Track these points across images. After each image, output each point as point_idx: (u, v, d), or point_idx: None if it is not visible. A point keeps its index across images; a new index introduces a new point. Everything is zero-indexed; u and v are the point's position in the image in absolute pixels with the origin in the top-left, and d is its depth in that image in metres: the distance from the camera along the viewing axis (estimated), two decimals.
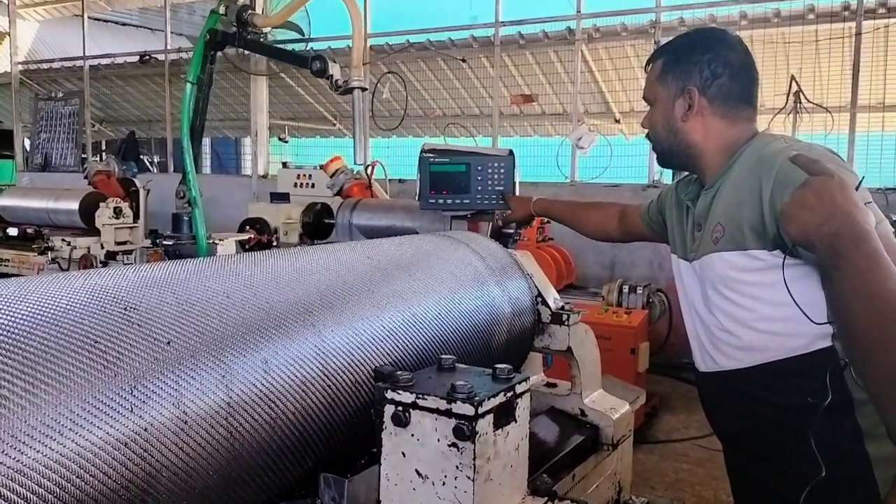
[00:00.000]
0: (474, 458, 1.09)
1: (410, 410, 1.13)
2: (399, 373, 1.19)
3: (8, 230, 9.27)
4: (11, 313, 0.87)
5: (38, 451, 0.79)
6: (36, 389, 0.81)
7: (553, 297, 2.05)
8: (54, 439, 0.81)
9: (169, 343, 0.97)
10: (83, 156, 11.78)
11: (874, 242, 1.24)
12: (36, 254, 8.07)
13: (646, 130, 1.91)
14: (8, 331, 0.84)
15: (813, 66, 7.09)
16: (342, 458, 1.27)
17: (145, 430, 0.90)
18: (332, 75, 4.47)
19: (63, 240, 7.79)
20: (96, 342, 0.90)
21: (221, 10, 4.15)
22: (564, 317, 1.97)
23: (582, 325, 2.06)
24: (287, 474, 1.15)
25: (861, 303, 1.21)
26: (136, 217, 8.12)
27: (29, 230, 8.56)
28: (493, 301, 1.70)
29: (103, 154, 13.64)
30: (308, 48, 9.35)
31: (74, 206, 8.01)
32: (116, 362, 0.90)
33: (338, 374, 1.21)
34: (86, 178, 8.57)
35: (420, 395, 1.13)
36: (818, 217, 1.29)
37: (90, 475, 0.84)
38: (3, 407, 0.78)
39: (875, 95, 7.20)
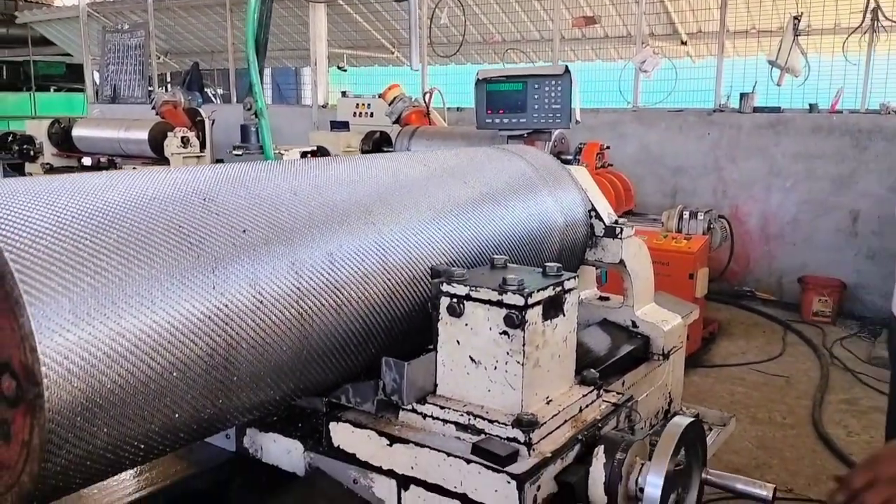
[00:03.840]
0: (524, 345, 1.17)
1: (464, 302, 1.21)
2: (454, 269, 1.26)
3: (83, 160, 9.65)
4: (104, 198, 0.97)
5: (134, 318, 0.90)
6: (130, 264, 0.91)
7: (607, 212, 2.08)
8: (148, 308, 0.91)
9: (245, 231, 1.07)
10: (149, 88, 12.05)
11: None
12: None
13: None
14: (102, 212, 0.94)
15: None
16: (402, 351, 1.36)
17: (226, 306, 1.00)
18: None
19: (134, 168, 8.07)
20: (180, 227, 1.00)
21: None
22: (618, 230, 2.01)
23: (636, 238, 2.09)
24: (352, 358, 1.25)
25: None
26: (202, 146, 8.36)
27: (102, 159, 8.91)
28: (545, 211, 1.75)
29: (168, 85, 13.95)
30: None
31: (144, 135, 8.28)
32: (199, 245, 1.00)
33: (397, 269, 1.29)
34: (153, 108, 8.83)
35: (473, 288, 1.20)
36: None
37: (179, 342, 0.94)
38: (104, 276, 0.88)
39: None
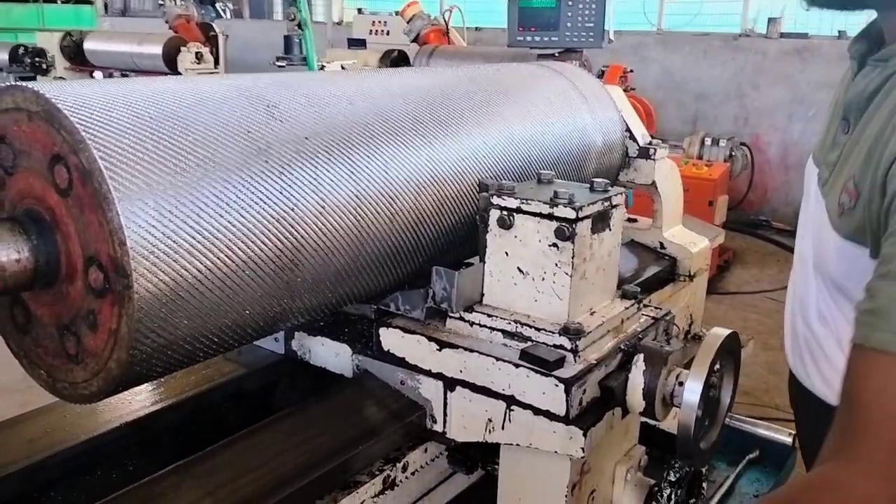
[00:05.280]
0: (573, 257, 1.21)
1: (515, 214, 1.24)
2: (504, 182, 1.29)
3: (94, 73, 9.54)
4: (177, 101, 0.99)
5: (212, 217, 0.93)
6: (206, 166, 0.94)
7: (641, 133, 2.09)
8: (223, 209, 0.95)
9: (307, 139, 1.09)
10: (160, 1, 11.80)
11: None
12: None
13: None
14: (177, 115, 0.96)
15: None
16: (446, 263, 1.40)
17: (292, 209, 1.04)
18: None
19: None
20: (248, 132, 1.02)
21: None
22: (651, 151, 2.02)
23: (668, 160, 2.11)
24: (402, 267, 1.29)
25: None
26: (216, 62, 8.25)
27: (115, 74, 8.82)
28: (584, 129, 1.76)
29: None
30: None
31: (157, 50, 8.17)
32: (267, 150, 1.02)
33: (445, 181, 1.32)
34: (166, 22, 8.67)
35: (524, 201, 1.23)
36: None
37: (251, 242, 0.98)
38: (183, 176, 0.91)
39: None
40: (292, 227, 1.04)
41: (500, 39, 8.41)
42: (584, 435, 1.12)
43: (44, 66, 9.28)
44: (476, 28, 7.88)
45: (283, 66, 2.70)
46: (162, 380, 1.34)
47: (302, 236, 1.05)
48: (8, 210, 0.98)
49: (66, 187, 0.89)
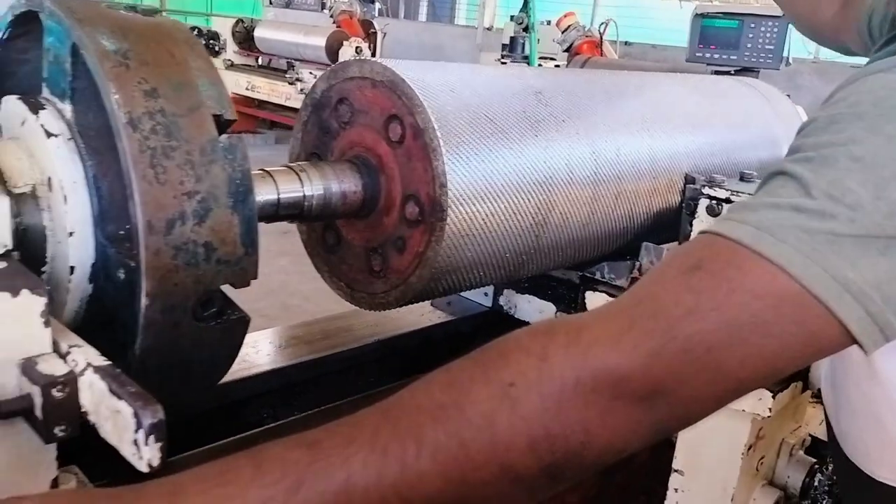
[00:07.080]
0: None
1: (723, 204, 1.43)
2: (714, 175, 1.48)
3: (259, 59, 10.27)
4: (475, 82, 1.25)
5: (498, 176, 1.18)
6: (498, 135, 1.19)
7: None
8: (506, 170, 1.19)
9: (563, 121, 1.32)
10: None
11: None
12: (286, 83, 8.94)
13: None
14: (480, 94, 1.22)
15: None
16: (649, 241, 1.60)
17: (550, 177, 1.27)
18: None
19: (311, 73, 8.56)
20: (524, 111, 1.27)
21: None
22: None
23: None
24: (616, 240, 1.51)
25: None
26: (373, 57, 8.77)
27: (281, 61, 9.51)
28: (776, 142, 1.91)
29: None
30: None
31: (321, 42, 8.76)
32: (535, 127, 1.26)
33: (661, 171, 1.52)
34: (331, 16, 9.29)
35: (734, 193, 1.42)
36: None
37: (519, 198, 1.22)
38: (482, 142, 1.17)
39: None
40: (548, 191, 1.27)
41: (649, 54, 8.45)
42: (773, 397, 1.30)
43: (216, 48, 10.08)
44: (626, 42, 7.97)
45: (505, 63, 2.97)
46: (402, 313, 1.61)
47: (552, 200, 1.29)
48: (336, 156, 1.27)
49: (398, 140, 1.16)
